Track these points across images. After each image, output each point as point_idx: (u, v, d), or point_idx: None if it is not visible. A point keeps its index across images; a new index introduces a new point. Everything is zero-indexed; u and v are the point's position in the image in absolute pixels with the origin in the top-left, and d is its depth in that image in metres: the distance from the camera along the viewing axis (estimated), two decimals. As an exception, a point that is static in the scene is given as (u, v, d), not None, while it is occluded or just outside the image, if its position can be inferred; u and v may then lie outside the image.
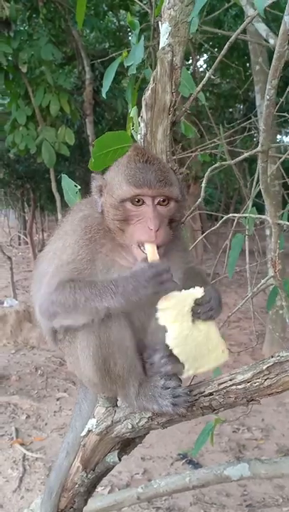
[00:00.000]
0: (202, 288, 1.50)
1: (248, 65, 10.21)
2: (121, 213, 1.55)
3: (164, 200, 1.55)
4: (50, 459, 5.50)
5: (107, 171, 1.69)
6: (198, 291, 1.49)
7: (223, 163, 2.33)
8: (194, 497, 4.79)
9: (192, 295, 1.49)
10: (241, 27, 1.76)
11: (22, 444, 5.82)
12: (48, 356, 8.55)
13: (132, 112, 1.81)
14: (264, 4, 1.10)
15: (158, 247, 1.53)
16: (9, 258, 10.88)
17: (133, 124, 1.79)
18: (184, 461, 5.48)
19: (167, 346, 1.50)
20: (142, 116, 1.67)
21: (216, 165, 2.22)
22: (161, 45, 1.64)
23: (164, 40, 1.62)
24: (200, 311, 1.49)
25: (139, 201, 1.54)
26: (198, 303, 1.49)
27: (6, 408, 6.71)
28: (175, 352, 1.50)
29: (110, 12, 11.42)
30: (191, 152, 4.64)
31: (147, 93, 1.62)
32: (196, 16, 1.48)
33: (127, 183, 1.53)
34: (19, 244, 23.37)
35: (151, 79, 1.61)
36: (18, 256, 19.64)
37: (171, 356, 1.53)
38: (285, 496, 4.78)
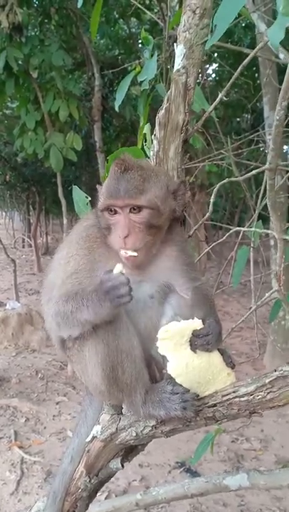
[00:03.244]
0: (201, 320, 1.53)
1: (256, 75, 10.28)
2: (103, 222, 1.67)
3: (134, 209, 1.61)
4: (48, 463, 5.52)
5: None
6: (197, 323, 1.52)
7: (232, 179, 2.38)
8: (191, 506, 4.80)
9: (191, 327, 1.52)
10: (256, 50, 1.82)
11: (20, 447, 5.84)
12: (49, 360, 8.58)
13: (145, 128, 1.87)
14: (279, 39, 1.15)
15: (136, 256, 1.59)
16: (13, 260, 10.91)
17: (146, 140, 1.85)
18: (181, 469, 5.50)
19: (170, 375, 1.54)
20: (155, 134, 1.73)
21: (225, 181, 2.27)
22: (175, 67, 1.69)
23: (178, 61, 1.67)
24: (197, 343, 1.52)
25: (112, 211, 1.63)
26: (196, 334, 1.52)
27: (5, 411, 6.74)
28: (178, 380, 1.54)
29: (121, 19, 11.51)
30: (198, 162, 4.70)
31: (161, 112, 1.68)
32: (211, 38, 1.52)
33: (103, 193, 1.65)
34: (23, 247, 23.44)
35: (166, 99, 1.67)
36: (21, 258, 19.70)
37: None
38: (282, 507, 4.79)
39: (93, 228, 1.74)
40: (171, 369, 1.52)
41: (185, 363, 1.51)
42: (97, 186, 1.77)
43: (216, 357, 1.55)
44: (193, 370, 1.52)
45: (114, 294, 1.47)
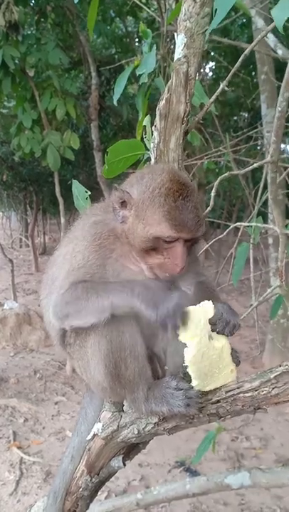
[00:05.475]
0: (210, 301, 1.49)
1: (253, 73, 10.26)
2: (149, 245, 1.56)
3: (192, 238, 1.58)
4: (48, 463, 5.50)
5: (131, 184, 1.65)
6: (207, 305, 1.48)
7: (233, 173, 2.35)
8: (191, 505, 4.78)
9: (202, 308, 1.48)
10: (256, 40, 1.79)
11: (19, 448, 5.81)
12: (47, 360, 8.55)
13: (145, 120, 1.83)
14: (284, 18, 1.11)
15: None
16: (10, 260, 10.88)
17: (145, 132, 1.82)
18: (181, 468, 5.48)
19: (184, 363, 1.48)
20: (155, 126, 1.69)
21: (226, 174, 2.24)
22: (176, 56, 1.65)
23: (179, 51, 1.64)
24: (218, 330, 1.49)
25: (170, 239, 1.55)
26: (212, 322, 1.48)
27: (4, 411, 6.70)
28: (191, 369, 1.48)
29: (117, 18, 11.47)
30: (196, 160, 4.68)
31: (162, 103, 1.64)
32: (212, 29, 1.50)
33: (166, 223, 1.51)
34: (20, 247, 23.37)
35: (166, 89, 1.63)
36: (19, 258, 19.64)
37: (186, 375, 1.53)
38: (282, 506, 4.77)
39: (102, 224, 1.68)
40: (189, 356, 1.46)
41: (202, 352, 1.46)
42: (120, 189, 1.62)
43: (226, 352, 1.51)
44: (206, 360, 1.48)
45: (164, 314, 1.42)
